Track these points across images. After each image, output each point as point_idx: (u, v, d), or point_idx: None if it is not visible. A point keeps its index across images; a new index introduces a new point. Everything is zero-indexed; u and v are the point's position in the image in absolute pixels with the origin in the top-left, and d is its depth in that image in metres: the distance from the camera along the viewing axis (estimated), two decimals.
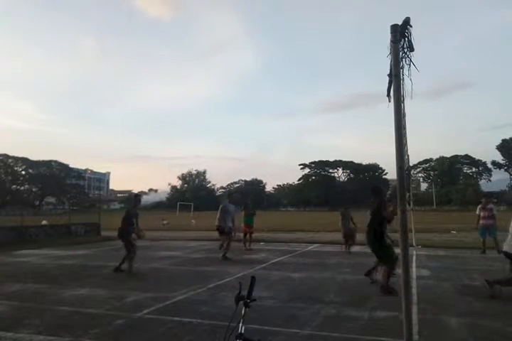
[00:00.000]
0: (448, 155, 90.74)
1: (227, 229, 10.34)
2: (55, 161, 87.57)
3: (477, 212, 10.93)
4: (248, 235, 12.48)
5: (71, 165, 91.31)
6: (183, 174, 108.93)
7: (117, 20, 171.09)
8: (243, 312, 1.85)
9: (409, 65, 2.94)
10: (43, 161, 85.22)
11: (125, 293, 6.26)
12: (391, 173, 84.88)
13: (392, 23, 2.84)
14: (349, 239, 11.45)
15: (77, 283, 7.14)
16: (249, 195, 16.57)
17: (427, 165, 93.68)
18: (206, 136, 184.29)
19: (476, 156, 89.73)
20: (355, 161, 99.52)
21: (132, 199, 8.89)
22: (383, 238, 6.22)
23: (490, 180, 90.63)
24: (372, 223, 6.24)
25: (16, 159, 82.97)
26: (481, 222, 10.70)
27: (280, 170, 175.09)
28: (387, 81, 3.08)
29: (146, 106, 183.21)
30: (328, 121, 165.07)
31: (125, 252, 8.22)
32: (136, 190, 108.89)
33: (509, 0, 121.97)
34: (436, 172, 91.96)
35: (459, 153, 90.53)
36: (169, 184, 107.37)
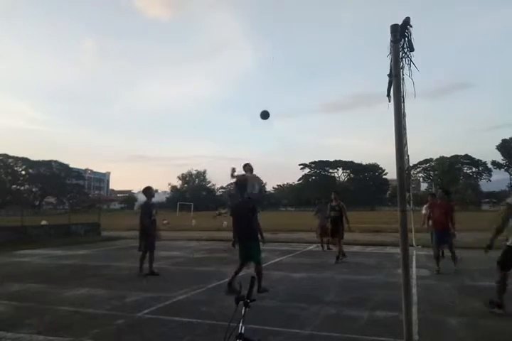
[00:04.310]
0: (448, 155, 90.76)
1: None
2: (55, 161, 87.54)
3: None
4: None
5: (71, 165, 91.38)
6: (183, 174, 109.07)
7: (117, 20, 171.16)
8: (243, 312, 1.85)
9: (410, 64, 2.95)
10: (43, 161, 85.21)
11: (125, 293, 6.26)
12: (391, 173, 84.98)
13: (392, 23, 2.85)
14: (325, 235, 11.42)
15: (77, 283, 7.14)
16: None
17: (427, 165, 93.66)
18: (206, 136, 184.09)
19: (476, 156, 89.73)
20: (355, 161, 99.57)
21: (146, 193, 8.45)
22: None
23: (490, 180, 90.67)
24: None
25: (16, 159, 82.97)
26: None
27: (280, 170, 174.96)
28: (387, 81, 3.08)
29: (146, 106, 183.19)
30: (328, 121, 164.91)
31: (148, 252, 7.99)
32: (136, 190, 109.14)
33: (509, 0, 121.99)
34: (436, 172, 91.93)
35: (459, 153, 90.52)
36: (169, 184, 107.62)
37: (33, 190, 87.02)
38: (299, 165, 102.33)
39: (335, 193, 10.12)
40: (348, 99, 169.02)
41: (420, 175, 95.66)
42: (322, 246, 12.04)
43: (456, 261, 8.06)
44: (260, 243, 6.19)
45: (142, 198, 9.74)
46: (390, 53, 2.90)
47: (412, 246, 11.73)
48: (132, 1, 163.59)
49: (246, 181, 6.44)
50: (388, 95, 3.12)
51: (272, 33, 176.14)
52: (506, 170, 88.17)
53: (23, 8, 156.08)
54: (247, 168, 6.91)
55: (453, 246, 8.05)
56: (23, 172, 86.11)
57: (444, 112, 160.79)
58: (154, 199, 8.60)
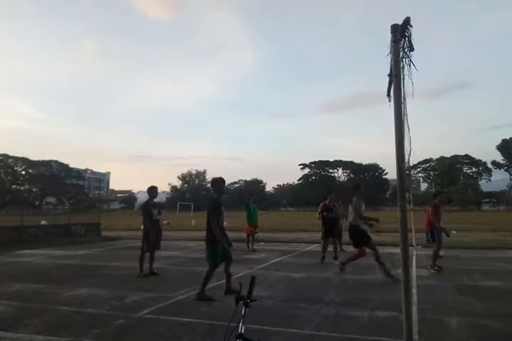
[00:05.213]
0: (448, 155, 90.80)
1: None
2: (55, 161, 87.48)
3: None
4: (251, 236, 12.41)
5: (71, 165, 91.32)
6: (183, 174, 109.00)
7: (117, 20, 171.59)
8: (243, 312, 1.85)
9: (410, 64, 2.94)
10: (43, 161, 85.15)
11: (125, 293, 6.25)
12: (391, 173, 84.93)
13: (393, 23, 2.84)
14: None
15: (77, 283, 7.14)
16: (254, 194, 16.57)
17: (427, 165, 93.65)
18: (206, 136, 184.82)
19: (476, 156, 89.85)
20: (355, 161, 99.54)
21: (150, 192, 8.38)
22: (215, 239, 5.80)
23: (490, 180, 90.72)
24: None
25: (16, 159, 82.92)
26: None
27: (280, 170, 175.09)
28: (387, 81, 3.08)
29: (146, 106, 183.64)
30: (328, 121, 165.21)
31: (149, 252, 7.98)
32: (136, 190, 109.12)
33: (509, 0, 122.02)
34: (436, 172, 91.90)
35: (459, 153, 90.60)
36: (169, 184, 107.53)
37: (33, 190, 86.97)
38: (299, 165, 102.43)
39: (334, 194, 10.15)
40: (348, 99, 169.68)
41: (420, 175, 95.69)
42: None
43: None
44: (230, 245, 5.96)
45: (142, 198, 9.70)
46: (390, 53, 2.90)
47: (412, 246, 11.73)
48: (132, 2, 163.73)
49: (215, 182, 6.35)
50: (388, 95, 3.11)
51: (272, 33, 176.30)
52: (506, 170, 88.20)
53: (24, 8, 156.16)
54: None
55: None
56: (23, 172, 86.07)
57: (444, 112, 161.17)
58: (155, 200, 8.58)
